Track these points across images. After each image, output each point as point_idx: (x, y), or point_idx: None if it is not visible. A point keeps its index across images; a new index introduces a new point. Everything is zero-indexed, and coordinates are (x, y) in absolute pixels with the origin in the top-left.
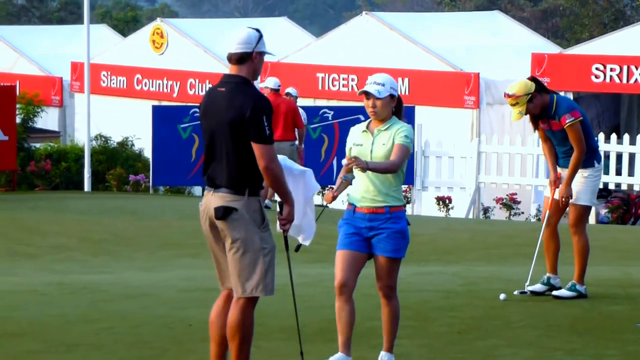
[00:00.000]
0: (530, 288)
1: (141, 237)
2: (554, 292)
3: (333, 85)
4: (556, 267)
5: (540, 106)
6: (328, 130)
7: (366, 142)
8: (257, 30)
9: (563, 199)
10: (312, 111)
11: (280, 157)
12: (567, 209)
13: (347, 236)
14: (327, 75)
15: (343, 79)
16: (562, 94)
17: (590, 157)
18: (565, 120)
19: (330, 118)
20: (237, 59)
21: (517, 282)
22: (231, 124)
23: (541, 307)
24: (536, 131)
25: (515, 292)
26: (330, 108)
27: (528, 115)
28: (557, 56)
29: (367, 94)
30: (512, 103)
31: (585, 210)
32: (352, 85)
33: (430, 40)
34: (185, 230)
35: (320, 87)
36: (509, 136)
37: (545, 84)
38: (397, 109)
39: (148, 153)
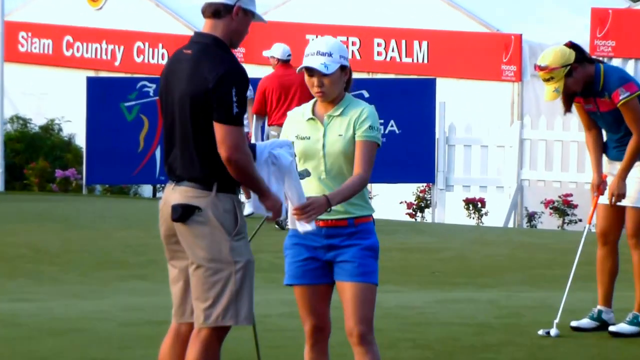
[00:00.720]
0: (575, 324)
1: (71, 253)
2: (611, 328)
3: None
4: (611, 297)
5: (582, 81)
6: None
7: (314, 133)
8: None
9: (613, 198)
10: None
11: (285, 155)
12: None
13: (299, 264)
14: (319, 37)
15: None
16: (631, 63)
17: None
18: (618, 95)
19: None
20: (212, 11)
21: (573, 313)
22: (192, 98)
23: (602, 347)
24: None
25: (540, 332)
26: None
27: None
28: (625, 12)
29: (310, 70)
30: (545, 78)
31: None
32: (352, 51)
33: None
34: (130, 244)
35: None
36: (561, 118)
37: (609, 49)
38: (347, 83)
39: (81, 141)
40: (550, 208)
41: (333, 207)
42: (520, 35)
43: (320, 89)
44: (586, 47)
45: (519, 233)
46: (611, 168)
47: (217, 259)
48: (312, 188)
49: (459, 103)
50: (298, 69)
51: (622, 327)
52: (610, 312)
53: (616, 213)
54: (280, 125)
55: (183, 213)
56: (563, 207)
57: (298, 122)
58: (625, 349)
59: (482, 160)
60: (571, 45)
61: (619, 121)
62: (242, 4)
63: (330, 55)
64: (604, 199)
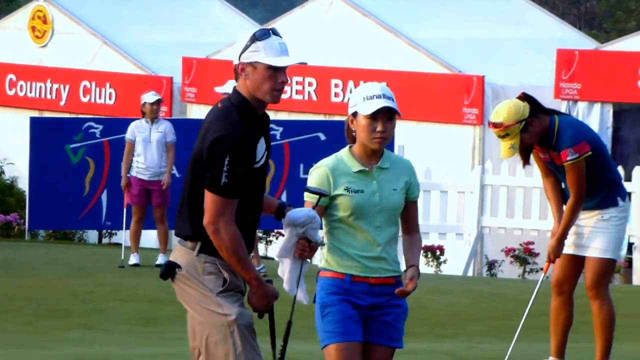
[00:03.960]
0: None
1: (14, 301)
2: None
3: (283, 92)
4: (564, 349)
5: (538, 134)
6: (275, 154)
7: (367, 186)
8: (263, 31)
9: (550, 260)
10: None
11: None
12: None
13: (351, 320)
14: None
15: (297, 83)
16: (597, 106)
17: (610, 194)
18: (566, 156)
19: (278, 137)
20: (234, 72)
21: None
22: (194, 157)
23: None
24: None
25: None
26: (278, 123)
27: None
28: (592, 53)
29: (377, 113)
30: (500, 135)
31: (609, 265)
32: (308, 92)
33: (417, 31)
34: (76, 292)
35: None
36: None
37: (575, 92)
38: None
39: (24, 184)
40: (511, 256)
41: (382, 262)
42: (483, 77)
43: (382, 135)
44: (551, 90)
45: (479, 282)
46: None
47: (202, 317)
48: (361, 241)
49: (418, 147)
50: (375, 109)
51: None
52: None
53: (573, 262)
54: None
55: (165, 270)
56: (524, 256)
57: (344, 174)
58: None
59: (442, 206)
60: (525, 97)
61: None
62: (244, 59)
63: (393, 100)
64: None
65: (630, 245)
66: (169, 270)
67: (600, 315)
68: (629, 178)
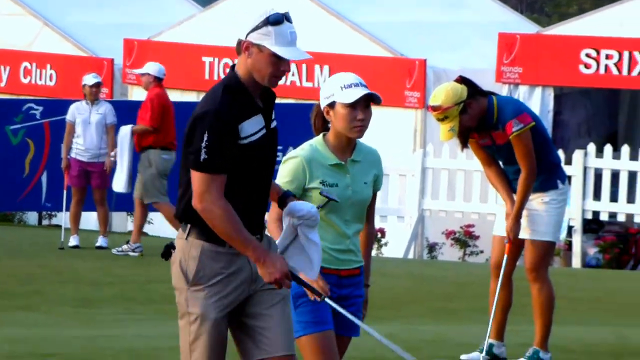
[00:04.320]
0: (465, 357)
1: None
2: None
3: (225, 74)
4: (503, 331)
5: (477, 116)
6: None
7: (341, 180)
8: (277, 15)
9: (509, 239)
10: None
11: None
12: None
13: (325, 309)
14: (216, 60)
15: None
16: (538, 90)
17: (550, 176)
18: (511, 127)
19: None
20: (236, 46)
21: (474, 346)
22: (184, 135)
23: None
24: (465, 150)
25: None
26: None
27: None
28: (534, 37)
29: (356, 102)
30: (439, 118)
31: (548, 248)
32: None
33: (361, 14)
34: (15, 273)
35: (207, 76)
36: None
37: (516, 75)
38: None
39: None
40: (452, 239)
41: (349, 252)
42: (425, 60)
43: (362, 123)
44: (492, 74)
45: (420, 264)
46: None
47: (179, 307)
48: (332, 234)
49: None
50: (357, 97)
51: None
52: (502, 345)
53: (512, 245)
54: (172, 148)
55: (164, 251)
56: (464, 238)
57: (320, 166)
58: None
59: (383, 189)
60: (462, 80)
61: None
62: (252, 39)
63: (366, 88)
64: (499, 231)
65: (569, 228)
66: (166, 251)
67: (540, 297)
68: (569, 162)
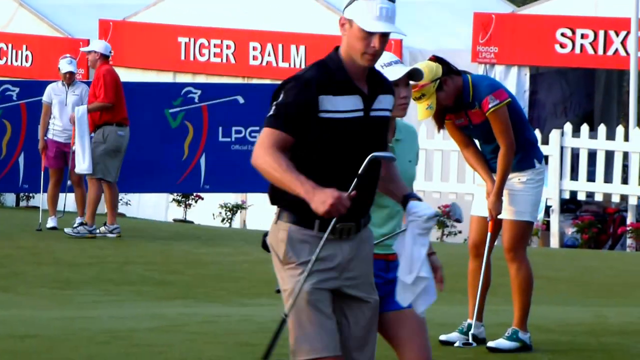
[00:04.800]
0: (444, 338)
1: None
2: (490, 344)
3: (201, 55)
4: (482, 312)
5: (453, 94)
6: (193, 117)
7: None
8: None
9: (492, 217)
10: (172, 90)
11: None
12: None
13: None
14: (192, 40)
15: (215, 46)
16: (514, 70)
17: (527, 155)
18: (487, 104)
19: (196, 100)
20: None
21: (453, 327)
22: None
23: None
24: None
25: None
26: (196, 86)
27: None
28: (509, 17)
29: (411, 77)
30: (416, 96)
31: (526, 228)
32: (227, 55)
33: None
34: None
35: (183, 57)
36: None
37: (492, 55)
38: None
39: None
40: None
41: (387, 241)
42: (400, 40)
43: (405, 101)
44: (468, 54)
45: None
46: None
47: (279, 281)
48: (380, 218)
49: None
50: (400, 74)
51: (501, 342)
52: (481, 326)
53: (493, 226)
54: (126, 124)
55: (262, 240)
56: (442, 219)
57: None
58: None
59: None
60: (436, 59)
61: (492, 131)
62: (345, 14)
63: (404, 65)
64: (477, 211)
65: (547, 208)
66: (264, 241)
67: (518, 277)
68: (546, 142)
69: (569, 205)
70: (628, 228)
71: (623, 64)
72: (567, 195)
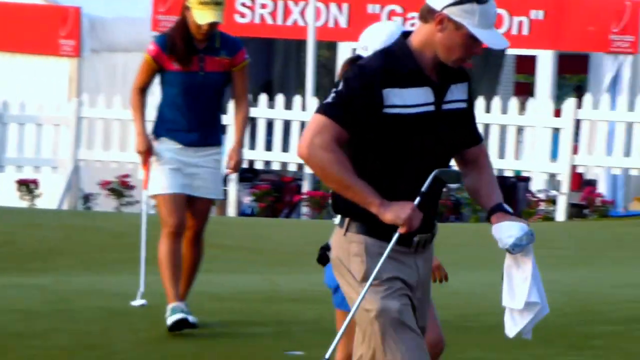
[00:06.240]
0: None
1: None
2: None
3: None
4: (186, 292)
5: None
6: None
7: None
8: None
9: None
10: None
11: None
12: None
13: None
14: None
15: None
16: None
17: (221, 130)
18: (244, 55)
19: None
20: (420, 13)
21: (130, 296)
22: None
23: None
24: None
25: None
26: None
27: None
28: None
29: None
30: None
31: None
32: None
33: None
34: None
35: None
36: (122, 96)
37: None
38: None
39: None
40: (107, 189)
41: None
42: (79, 8)
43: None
44: (148, 22)
45: (74, 215)
46: None
47: (353, 302)
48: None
49: (12, 79)
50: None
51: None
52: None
53: (186, 204)
54: None
55: (319, 255)
56: (120, 188)
57: None
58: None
59: (37, 140)
60: None
61: (218, 85)
62: (450, 13)
63: None
64: (164, 189)
65: (224, 177)
66: (322, 255)
67: (196, 257)
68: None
69: (247, 174)
70: (304, 196)
71: (301, 34)
72: (244, 165)
